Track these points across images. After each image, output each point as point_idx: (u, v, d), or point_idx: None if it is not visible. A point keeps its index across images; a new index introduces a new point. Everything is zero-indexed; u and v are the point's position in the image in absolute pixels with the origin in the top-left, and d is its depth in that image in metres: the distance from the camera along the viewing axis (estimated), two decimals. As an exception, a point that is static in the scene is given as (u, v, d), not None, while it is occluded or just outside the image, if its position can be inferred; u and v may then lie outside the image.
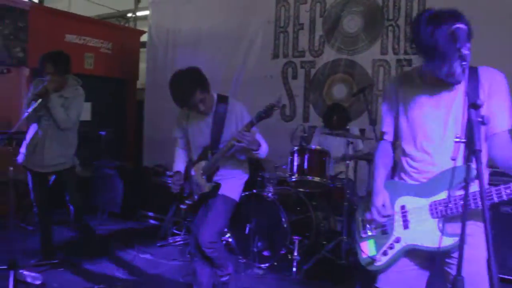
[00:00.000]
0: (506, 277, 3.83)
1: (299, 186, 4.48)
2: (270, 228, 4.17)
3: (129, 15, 9.34)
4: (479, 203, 1.72)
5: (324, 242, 4.39)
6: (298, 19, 5.87)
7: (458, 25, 1.62)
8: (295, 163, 4.31)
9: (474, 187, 1.75)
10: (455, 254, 1.82)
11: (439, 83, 1.87)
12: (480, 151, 1.43)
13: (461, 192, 1.76)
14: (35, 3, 8.66)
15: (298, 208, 4.53)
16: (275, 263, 4.17)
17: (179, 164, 3.29)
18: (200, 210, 3.20)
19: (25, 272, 3.66)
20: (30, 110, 3.74)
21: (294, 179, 4.33)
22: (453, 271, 1.88)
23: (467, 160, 1.49)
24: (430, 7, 1.77)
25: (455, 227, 1.80)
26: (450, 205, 1.84)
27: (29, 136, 4.08)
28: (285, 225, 4.07)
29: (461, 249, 1.49)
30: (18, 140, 4.49)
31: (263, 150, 2.96)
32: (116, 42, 7.48)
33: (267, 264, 4.17)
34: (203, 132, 3.11)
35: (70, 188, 4.24)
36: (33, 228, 5.01)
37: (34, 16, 6.28)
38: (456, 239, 1.79)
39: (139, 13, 8.82)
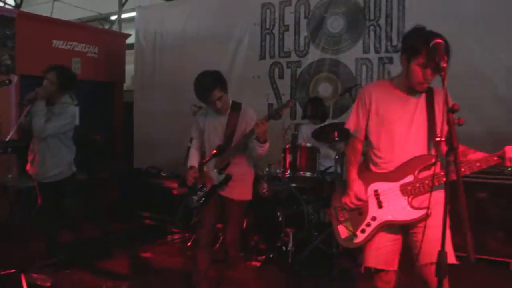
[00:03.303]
0: (484, 257, 4.15)
1: (292, 182, 4.72)
2: (266, 222, 4.41)
3: (113, 17, 9.45)
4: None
5: (316, 233, 4.64)
6: (284, 21, 6.08)
7: (437, 40, 1.89)
8: (288, 160, 4.56)
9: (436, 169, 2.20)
10: (420, 224, 2.27)
11: (409, 91, 2.36)
12: (457, 148, 1.70)
13: (425, 174, 2.28)
14: (22, 11, 8.70)
15: (291, 203, 4.76)
16: (272, 255, 4.42)
17: (193, 161, 3.59)
18: (210, 202, 3.47)
19: (35, 275, 3.80)
20: (22, 117, 3.91)
21: (287, 175, 4.58)
22: (417, 238, 2.29)
23: (446, 155, 1.76)
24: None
25: (421, 202, 2.29)
26: (416, 185, 2.29)
27: (30, 147, 4.23)
28: (280, 219, 4.31)
29: (444, 224, 1.79)
30: (15, 148, 4.62)
31: (267, 146, 3.29)
32: (102, 46, 7.58)
33: (263, 257, 4.40)
34: (218, 131, 3.46)
35: (68, 197, 4.41)
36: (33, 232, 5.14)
37: (21, 23, 6.36)
38: (424, 211, 2.24)
39: (123, 16, 8.92)
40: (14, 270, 3.69)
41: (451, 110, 1.72)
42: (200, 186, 3.49)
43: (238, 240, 3.56)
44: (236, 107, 3.49)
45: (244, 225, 4.33)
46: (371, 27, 5.51)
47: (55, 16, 7.88)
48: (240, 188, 3.47)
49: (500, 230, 4.13)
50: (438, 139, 1.90)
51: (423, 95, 2.36)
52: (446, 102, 1.73)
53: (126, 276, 4.08)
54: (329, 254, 4.36)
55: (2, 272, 3.93)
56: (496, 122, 4.83)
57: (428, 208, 2.12)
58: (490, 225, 4.16)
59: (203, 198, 3.46)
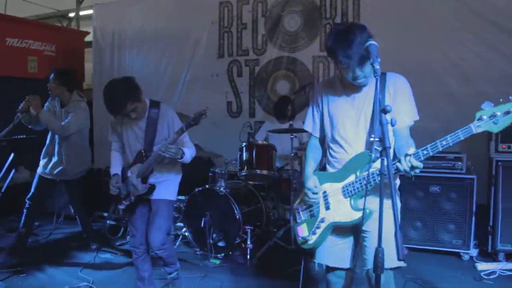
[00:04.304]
0: (436, 248, 4.32)
1: (249, 179, 4.77)
2: (224, 220, 4.44)
3: (71, 15, 9.20)
4: (378, 179, 2.13)
5: (274, 230, 4.70)
6: (241, 19, 6.13)
7: (371, 42, 1.94)
8: (244, 158, 4.60)
9: (374, 167, 2.14)
10: (365, 227, 2.28)
11: (353, 87, 2.30)
12: (389, 147, 1.77)
13: (365, 173, 2.22)
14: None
15: (249, 200, 4.81)
16: (230, 253, 4.47)
17: (116, 167, 3.44)
18: (137, 210, 3.39)
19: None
20: (14, 123, 4.06)
21: (244, 173, 4.63)
22: (365, 242, 2.33)
23: (380, 154, 1.82)
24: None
25: (363, 203, 2.18)
26: (356, 185, 2.28)
27: (46, 146, 4.46)
28: (237, 217, 4.35)
29: (380, 222, 1.83)
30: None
31: (187, 157, 3.18)
32: (60, 44, 7.40)
33: (222, 254, 4.45)
34: (137, 135, 3.30)
35: (77, 197, 4.70)
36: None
37: (-28, 20, 6.16)
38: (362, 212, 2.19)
39: (82, 13, 8.69)
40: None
41: (383, 111, 1.79)
42: (125, 194, 3.36)
43: (165, 243, 3.36)
44: (155, 107, 3.28)
45: (202, 223, 4.35)
46: (327, 26, 5.62)
47: (9, 12, 7.57)
48: (166, 188, 3.38)
49: (451, 222, 4.28)
50: (372, 139, 1.94)
51: (372, 86, 2.22)
52: (380, 103, 1.80)
53: (83, 278, 4.02)
54: (287, 250, 4.44)
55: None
56: (449, 118, 5.00)
57: (364, 208, 2.08)
58: (442, 217, 4.31)
59: (130, 209, 3.36)
